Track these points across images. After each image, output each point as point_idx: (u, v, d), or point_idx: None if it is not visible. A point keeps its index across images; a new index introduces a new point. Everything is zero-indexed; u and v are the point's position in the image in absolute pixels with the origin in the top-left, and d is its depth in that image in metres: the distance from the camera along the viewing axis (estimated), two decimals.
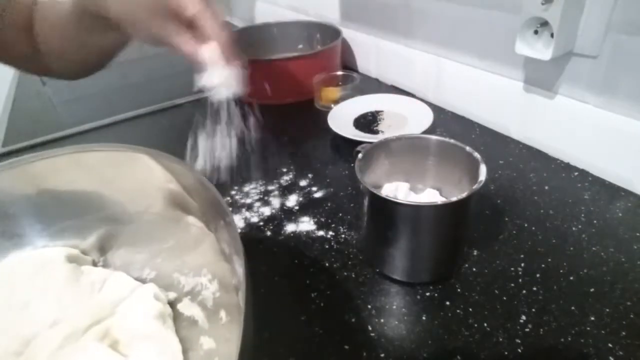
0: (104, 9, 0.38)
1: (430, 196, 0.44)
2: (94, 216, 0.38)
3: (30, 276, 0.36)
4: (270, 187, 0.57)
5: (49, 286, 0.35)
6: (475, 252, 0.44)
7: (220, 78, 0.38)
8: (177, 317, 0.35)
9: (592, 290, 0.39)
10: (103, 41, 0.44)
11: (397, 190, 0.44)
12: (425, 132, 0.61)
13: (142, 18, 0.37)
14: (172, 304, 0.36)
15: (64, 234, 0.38)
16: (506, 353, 0.34)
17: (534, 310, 0.37)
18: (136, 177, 0.36)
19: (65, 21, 0.43)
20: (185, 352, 0.32)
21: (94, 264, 0.39)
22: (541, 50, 0.50)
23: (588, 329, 0.35)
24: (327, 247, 0.46)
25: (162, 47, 0.38)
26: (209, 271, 0.35)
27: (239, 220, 0.51)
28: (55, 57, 0.46)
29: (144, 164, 0.35)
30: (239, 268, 0.25)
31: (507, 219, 0.48)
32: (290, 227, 0.49)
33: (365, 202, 0.39)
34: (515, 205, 0.49)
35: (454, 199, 0.36)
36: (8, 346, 0.32)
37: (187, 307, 0.36)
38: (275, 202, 0.54)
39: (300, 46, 0.96)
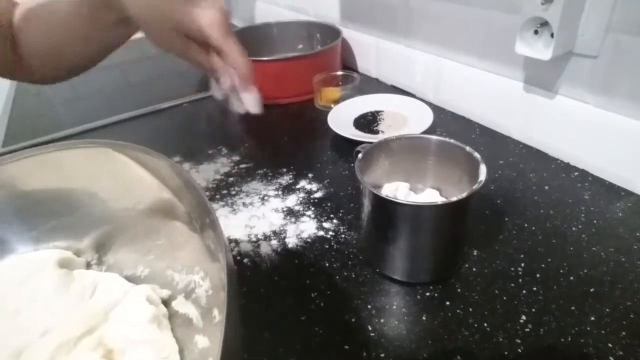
0: (123, 5, 0.37)
1: (430, 196, 0.44)
2: (83, 215, 0.38)
3: (20, 283, 0.35)
4: (270, 187, 0.57)
5: (39, 293, 0.34)
6: (475, 252, 0.44)
7: (239, 100, 0.41)
8: (172, 316, 0.35)
9: (592, 290, 0.39)
10: (109, 36, 0.43)
11: (397, 190, 0.44)
12: (425, 132, 0.61)
13: (165, 32, 0.37)
14: (166, 302, 0.36)
15: (52, 235, 0.38)
16: (506, 353, 0.34)
17: (534, 310, 0.37)
18: (115, 173, 0.36)
19: (67, 15, 0.41)
20: (180, 351, 0.32)
21: (88, 264, 0.39)
22: (541, 50, 0.50)
23: (588, 329, 0.35)
24: (327, 247, 0.46)
25: (174, 54, 0.39)
26: (201, 269, 0.34)
27: (238, 220, 0.51)
28: (40, 60, 0.45)
29: (119, 159, 0.35)
30: (223, 264, 0.25)
31: (507, 219, 0.48)
32: (290, 227, 0.49)
33: (365, 202, 0.39)
34: (515, 205, 0.49)
35: (454, 199, 0.36)
36: None
37: (181, 305, 0.35)
38: (275, 202, 0.54)
39: (300, 46, 0.96)
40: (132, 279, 0.38)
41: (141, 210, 0.37)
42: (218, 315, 0.31)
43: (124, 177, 0.36)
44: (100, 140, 0.35)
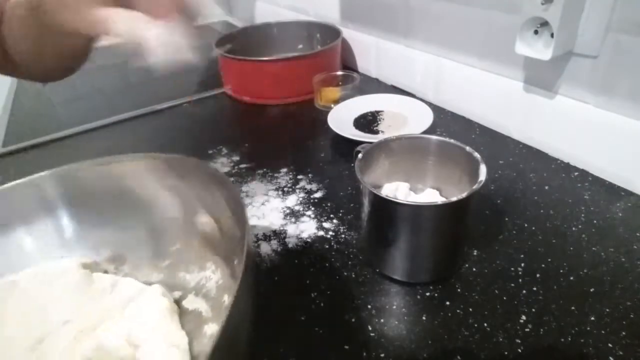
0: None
1: (430, 196, 0.44)
2: (112, 227, 0.40)
3: (46, 285, 0.37)
4: (270, 187, 0.57)
5: (62, 292, 0.37)
6: (475, 252, 0.44)
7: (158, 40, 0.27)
8: (182, 313, 0.37)
9: (592, 290, 0.39)
10: (59, 44, 0.39)
11: (397, 190, 0.44)
12: (425, 132, 0.61)
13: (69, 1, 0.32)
14: (177, 301, 0.38)
15: (80, 242, 0.40)
16: (506, 353, 0.34)
17: (534, 310, 0.37)
18: (163, 188, 0.38)
19: (24, 20, 0.38)
20: (190, 342, 0.33)
21: (105, 271, 0.41)
22: (541, 50, 0.50)
23: (588, 329, 0.35)
24: (327, 247, 0.46)
25: (98, 35, 0.31)
26: (213, 263, 0.36)
27: None
28: (20, 57, 0.41)
29: (172, 175, 0.37)
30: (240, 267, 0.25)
31: (507, 219, 0.48)
32: (290, 227, 0.49)
33: (365, 202, 0.39)
34: (515, 205, 0.49)
35: (454, 199, 0.36)
36: (22, 343, 0.34)
37: (191, 303, 0.37)
38: (275, 202, 0.54)
39: (300, 46, 0.96)
40: (146, 283, 0.40)
41: (167, 218, 0.39)
42: (228, 300, 0.32)
43: (169, 194, 0.38)
44: (163, 154, 0.37)
